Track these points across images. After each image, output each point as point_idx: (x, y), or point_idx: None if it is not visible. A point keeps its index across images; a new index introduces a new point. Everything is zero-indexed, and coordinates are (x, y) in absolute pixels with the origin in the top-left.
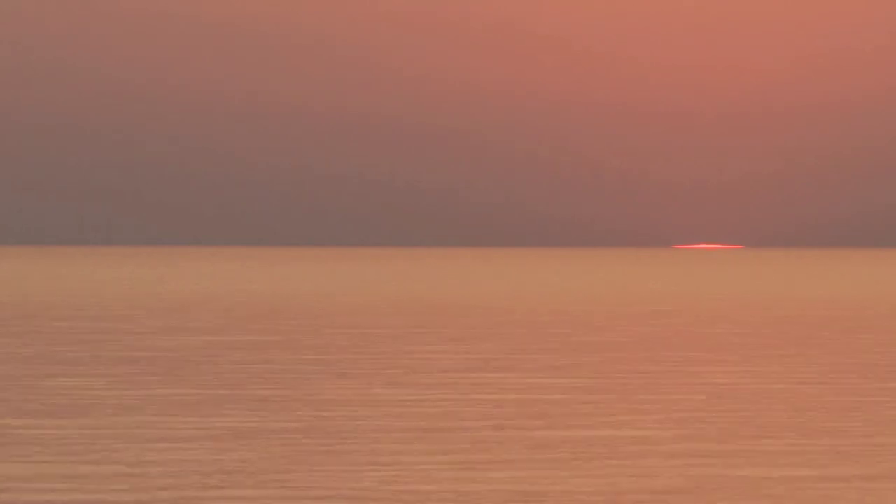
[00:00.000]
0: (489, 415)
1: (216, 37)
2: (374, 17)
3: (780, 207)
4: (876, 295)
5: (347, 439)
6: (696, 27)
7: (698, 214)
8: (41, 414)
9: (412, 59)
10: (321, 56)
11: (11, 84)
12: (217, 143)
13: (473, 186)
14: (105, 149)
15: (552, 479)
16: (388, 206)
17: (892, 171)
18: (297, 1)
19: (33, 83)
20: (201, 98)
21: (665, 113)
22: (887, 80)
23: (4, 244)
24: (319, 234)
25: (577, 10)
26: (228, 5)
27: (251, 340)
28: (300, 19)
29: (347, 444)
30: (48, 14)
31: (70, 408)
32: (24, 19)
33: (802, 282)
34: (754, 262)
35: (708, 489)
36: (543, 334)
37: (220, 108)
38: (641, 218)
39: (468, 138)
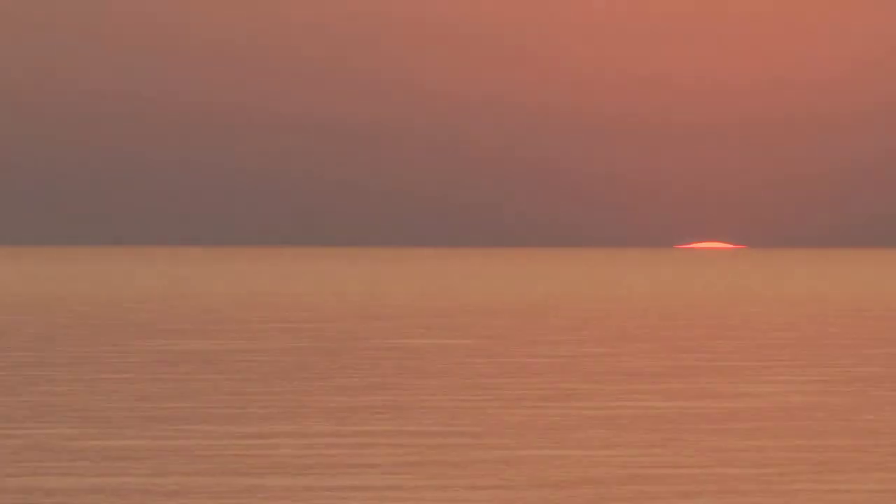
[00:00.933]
0: None
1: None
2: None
3: (782, 207)
4: None
5: None
6: (700, 25)
7: (699, 213)
8: None
9: (400, 63)
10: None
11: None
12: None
13: (473, 187)
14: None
15: None
16: (376, 206)
17: None
18: None
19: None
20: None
21: (670, 109)
22: None
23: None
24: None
25: (580, 15)
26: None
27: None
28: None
29: None
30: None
31: None
32: (25, 24)
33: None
34: (799, 262)
35: None
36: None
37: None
38: (640, 217)
39: (468, 139)
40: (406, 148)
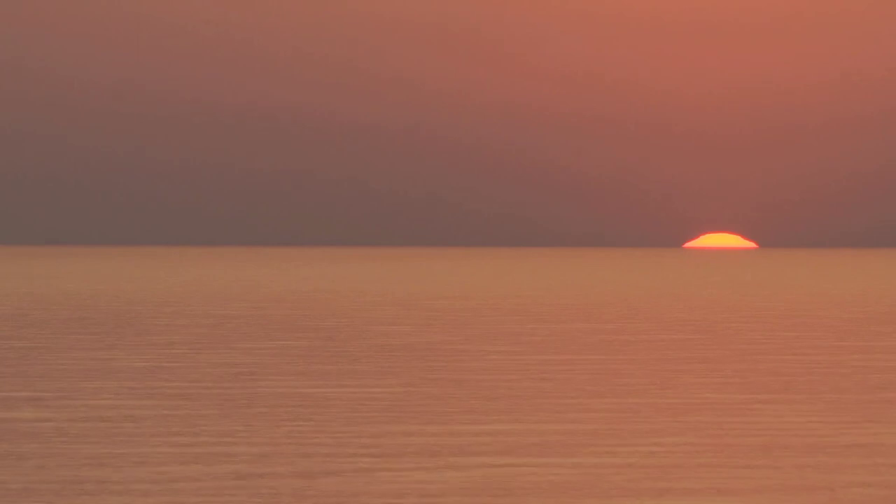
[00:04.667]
0: None
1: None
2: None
3: (789, 207)
4: None
5: None
6: (705, 17)
7: (704, 211)
8: None
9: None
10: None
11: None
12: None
13: (475, 188)
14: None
15: None
16: (370, 206)
17: None
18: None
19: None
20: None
21: (674, 105)
22: None
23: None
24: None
25: (586, 14)
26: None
27: None
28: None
29: None
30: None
31: None
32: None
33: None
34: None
35: None
36: None
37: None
38: (643, 217)
39: (472, 141)
40: (408, 147)
